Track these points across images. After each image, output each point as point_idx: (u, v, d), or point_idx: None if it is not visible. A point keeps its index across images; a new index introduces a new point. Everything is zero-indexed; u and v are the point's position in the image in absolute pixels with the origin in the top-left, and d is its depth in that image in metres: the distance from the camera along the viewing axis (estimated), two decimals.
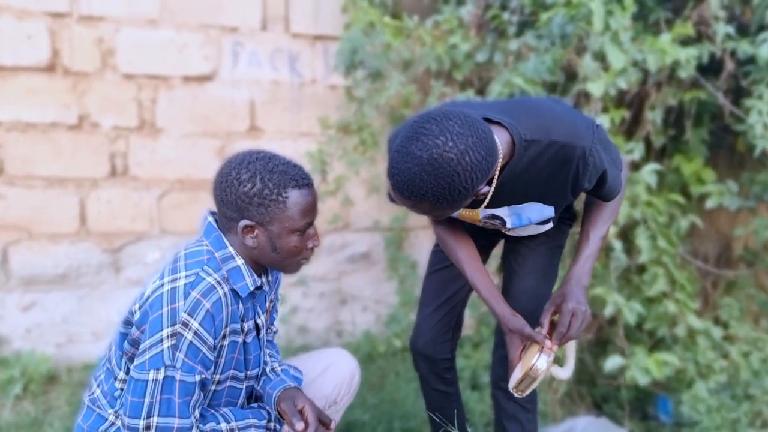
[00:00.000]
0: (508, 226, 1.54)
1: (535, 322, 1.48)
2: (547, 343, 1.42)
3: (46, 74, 2.57)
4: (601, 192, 1.46)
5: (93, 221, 2.73)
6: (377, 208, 3.02)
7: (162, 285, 1.22)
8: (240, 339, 1.33)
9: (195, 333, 1.19)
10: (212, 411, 1.35)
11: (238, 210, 1.24)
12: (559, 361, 1.52)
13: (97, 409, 1.33)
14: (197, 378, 1.21)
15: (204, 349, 1.21)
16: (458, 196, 1.17)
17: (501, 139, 1.28)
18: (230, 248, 1.28)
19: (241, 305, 1.30)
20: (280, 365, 1.51)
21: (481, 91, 2.56)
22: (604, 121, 2.17)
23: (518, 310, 1.50)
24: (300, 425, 1.31)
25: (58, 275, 2.73)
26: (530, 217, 1.50)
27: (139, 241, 2.81)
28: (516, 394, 1.47)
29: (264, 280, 1.37)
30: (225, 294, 1.24)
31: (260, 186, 1.22)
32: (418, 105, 2.68)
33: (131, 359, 1.26)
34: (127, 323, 1.29)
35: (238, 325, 1.31)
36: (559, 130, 1.31)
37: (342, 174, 2.80)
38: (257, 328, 1.39)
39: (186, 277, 1.22)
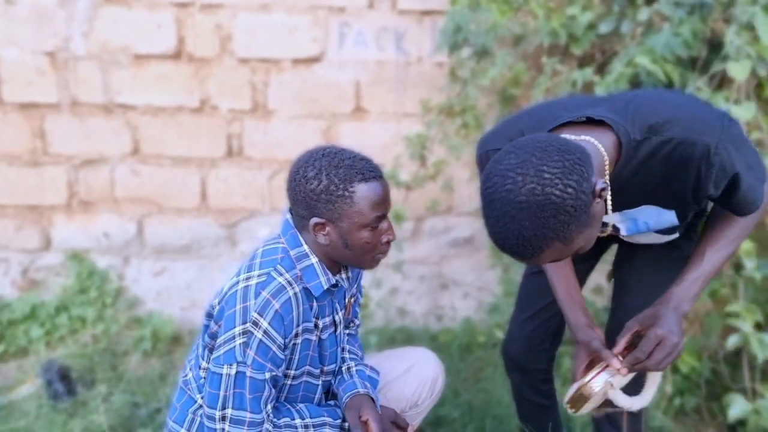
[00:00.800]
0: (623, 233, 1.34)
1: None
2: (615, 362, 1.21)
3: (173, 61, 2.77)
4: (732, 201, 1.22)
5: (212, 198, 2.90)
6: None
7: (237, 282, 1.24)
8: (314, 336, 1.31)
9: (264, 332, 1.20)
10: (288, 406, 1.35)
11: (308, 208, 1.22)
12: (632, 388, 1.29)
13: (188, 391, 1.38)
14: (267, 375, 1.22)
15: (274, 348, 1.21)
16: (567, 226, 1.00)
17: (605, 141, 1.13)
18: (305, 246, 1.27)
19: (315, 303, 1.30)
20: (356, 365, 1.47)
21: (602, 67, 2.25)
22: (746, 113, 1.76)
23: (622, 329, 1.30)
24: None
25: (182, 246, 2.95)
26: (647, 222, 1.29)
27: (252, 218, 2.93)
28: (570, 411, 1.28)
29: (343, 276, 1.36)
30: (296, 294, 1.24)
31: (326, 182, 1.19)
32: (529, 84, 2.44)
33: (211, 351, 1.29)
34: (209, 316, 1.32)
35: (312, 323, 1.30)
36: (676, 125, 1.12)
37: (442, 158, 2.66)
38: (335, 324, 1.37)
39: (258, 276, 1.23)
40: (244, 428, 1.22)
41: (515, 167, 0.99)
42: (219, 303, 1.27)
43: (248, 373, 1.20)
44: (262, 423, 1.23)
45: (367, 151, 2.76)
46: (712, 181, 1.14)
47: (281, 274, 1.24)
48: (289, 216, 1.31)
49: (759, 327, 1.90)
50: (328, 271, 1.30)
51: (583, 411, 1.26)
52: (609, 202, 1.14)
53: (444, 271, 2.94)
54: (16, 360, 2.69)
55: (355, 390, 1.39)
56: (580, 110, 1.18)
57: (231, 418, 1.21)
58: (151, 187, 2.88)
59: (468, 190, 2.80)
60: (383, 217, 1.25)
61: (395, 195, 2.54)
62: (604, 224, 1.31)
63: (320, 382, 1.39)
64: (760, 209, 1.23)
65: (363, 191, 1.20)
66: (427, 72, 2.78)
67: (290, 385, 1.34)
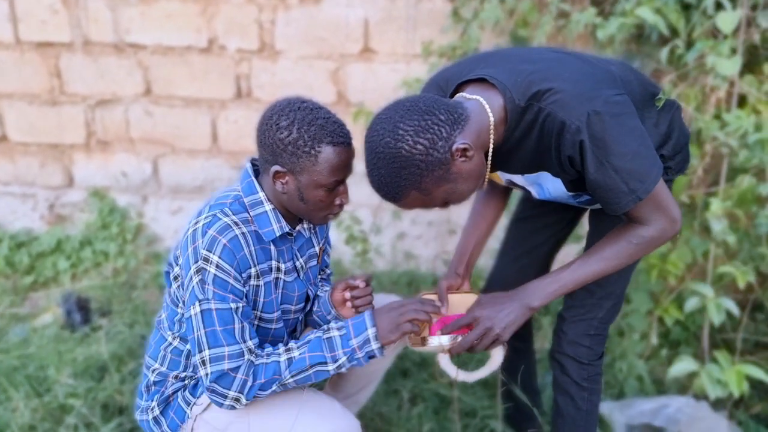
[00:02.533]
0: (535, 196, 1.37)
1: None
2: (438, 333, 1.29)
3: None
4: (599, 199, 1.18)
5: (223, 140, 2.83)
6: None
7: (188, 228, 1.25)
8: (275, 277, 1.32)
9: (217, 266, 1.19)
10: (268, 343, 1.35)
11: (273, 154, 1.21)
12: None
13: (161, 330, 1.40)
14: (232, 306, 1.21)
15: (230, 280, 1.21)
16: (420, 178, 1.11)
17: (494, 103, 1.17)
18: (261, 194, 1.28)
19: (273, 247, 1.30)
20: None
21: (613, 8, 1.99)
22: (731, 67, 1.53)
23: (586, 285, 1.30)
24: (359, 281, 1.39)
25: (196, 186, 2.92)
26: (549, 189, 1.30)
27: None
28: (408, 343, 1.34)
29: (305, 226, 1.39)
30: (244, 234, 1.23)
31: (296, 135, 1.18)
32: (537, 24, 2.19)
33: (178, 290, 1.32)
34: (174, 261, 1.33)
35: (268, 265, 1.29)
36: (552, 96, 1.12)
37: None
38: (296, 270, 1.38)
39: (205, 218, 1.23)
40: (225, 363, 1.19)
41: (382, 121, 1.10)
42: (177, 251, 1.30)
43: (212, 306, 1.19)
44: (243, 354, 1.21)
45: (375, 95, 2.64)
46: (564, 161, 1.13)
47: (227, 216, 1.23)
48: (249, 166, 1.31)
49: None
50: (283, 219, 1.30)
51: (419, 349, 1.31)
52: (488, 161, 1.19)
53: (452, 217, 2.81)
54: (45, 290, 2.78)
55: (331, 286, 1.48)
56: (489, 67, 1.20)
57: (210, 357, 1.20)
58: (164, 128, 2.83)
59: None
60: (342, 181, 1.25)
61: None
62: (515, 184, 1.35)
63: (290, 319, 1.42)
64: (644, 228, 1.19)
65: (328, 153, 1.19)
66: (439, 10, 2.55)
67: (274, 329, 1.35)
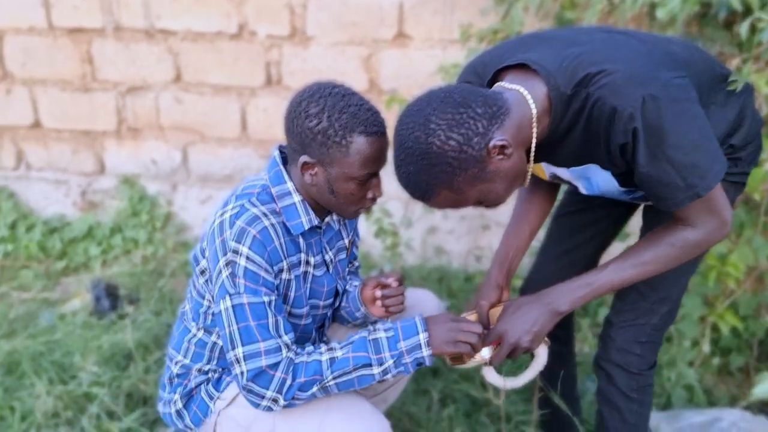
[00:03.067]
0: (582, 191, 1.25)
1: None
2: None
3: None
4: (650, 195, 1.08)
5: (252, 128, 2.76)
6: None
7: (214, 220, 1.18)
8: (304, 271, 1.25)
9: (247, 258, 1.12)
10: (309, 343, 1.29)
11: (301, 144, 1.13)
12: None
13: (185, 321, 1.35)
14: (265, 299, 1.14)
15: (262, 273, 1.13)
16: (452, 177, 1.01)
17: (538, 92, 1.05)
18: (289, 184, 1.20)
19: (302, 240, 1.23)
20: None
21: None
22: None
23: (638, 287, 1.24)
24: (391, 280, 1.31)
25: (225, 175, 2.86)
26: (599, 183, 1.18)
27: None
28: (448, 363, 1.25)
29: (334, 218, 1.31)
30: (273, 225, 1.16)
31: (326, 124, 1.10)
32: (586, 5, 2.04)
33: (206, 284, 1.26)
34: (201, 253, 1.26)
35: (297, 258, 1.22)
36: (602, 80, 1.01)
37: None
38: (326, 264, 1.31)
39: (232, 209, 1.16)
40: (262, 359, 1.11)
41: (413, 113, 1.01)
42: (204, 240, 1.23)
43: (245, 300, 1.12)
44: (280, 349, 1.13)
45: (409, 82, 2.52)
46: (615, 152, 1.03)
47: (255, 206, 1.16)
48: (276, 154, 1.24)
49: None
50: (311, 212, 1.22)
51: (459, 367, 1.24)
52: (531, 157, 1.08)
53: (486, 212, 2.68)
54: (76, 275, 2.76)
55: (361, 280, 1.41)
56: (532, 51, 1.08)
57: (245, 355, 1.12)
58: (193, 115, 2.77)
59: None
60: (374, 174, 1.17)
61: None
62: (561, 179, 1.24)
63: (319, 314, 1.35)
64: (695, 230, 1.08)
65: (360, 144, 1.10)
66: None
67: (304, 324, 1.29)
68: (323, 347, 1.16)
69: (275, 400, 1.12)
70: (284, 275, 1.19)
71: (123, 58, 2.72)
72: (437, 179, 1.00)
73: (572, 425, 1.54)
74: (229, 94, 2.72)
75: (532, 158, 1.09)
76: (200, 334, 1.30)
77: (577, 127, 1.06)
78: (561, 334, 1.56)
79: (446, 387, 1.90)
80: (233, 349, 1.13)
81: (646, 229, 1.33)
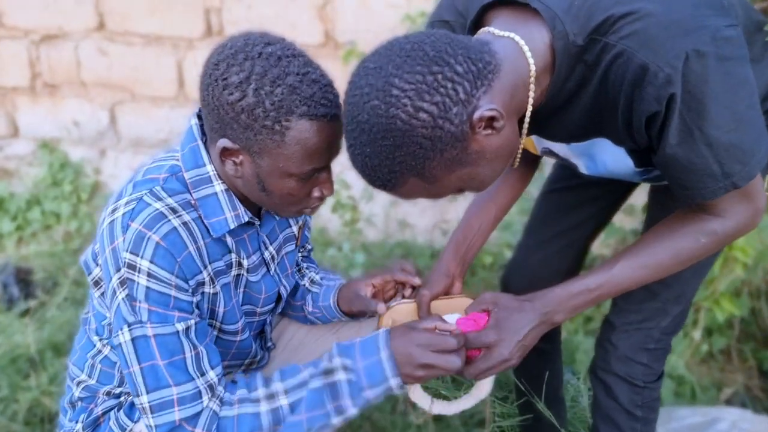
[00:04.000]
0: (583, 171, 1.00)
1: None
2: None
3: None
4: (672, 181, 0.82)
5: (190, 86, 2.39)
6: None
7: (104, 218, 0.87)
8: (237, 274, 0.96)
9: (149, 274, 0.82)
10: (242, 375, 0.97)
11: (220, 122, 0.82)
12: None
13: (88, 333, 1.04)
14: (178, 327, 0.84)
15: (172, 292, 0.84)
16: (423, 161, 0.74)
17: (538, 41, 0.78)
18: (209, 167, 0.88)
19: (230, 238, 0.92)
20: (317, 274, 1.20)
21: None
22: None
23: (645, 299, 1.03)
24: (380, 306, 1.01)
25: (160, 140, 2.49)
26: (606, 162, 0.93)
27: None
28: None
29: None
30: (186, 224, 0.85)
31: (252, 100, 0.78)
32: None
33: (102, 297, 0.96)
34: (93, 258, 0.96)
35: (225, 261, 0.92)
36: (629, 26, 0.73)
37: None
38: (265, 263, 1.01)
39: (126, 204, 0.84)
40: (175, 411, 0.84)
41: (369, 74, 0.73)
42: (95, 245, 0.93)
43: (149, 332, 0.83)
44: (200, 395, 0.85)
45: (369, 35, 2.19)
46: (638, 125, 0.77)
47: (159, 199, 0.85)
48: (194, 123, 0.90)
49: None
50: (240, 205, 0.91)
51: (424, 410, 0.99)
52: (524, 130, 0.82)
53: None
54: None
55: (337, 283, 1.13)
56: None
57: (151, 405, 0.84)
58: (121, 70, 2.37)
59: None
60: (322, 168, 0.87)
61: None
62: (555, 155, 0.99)
63: (255, 322, 1.06)
64: (721, 221, 0.84)
65: (302, 131, 0.80)
66: None
67: (240, 341, 1.01)
68: (260, 387, 0.87)
69: None
70: (207, 288, 0.90)
71: (35, 1, 2.29)
72: (403, 165, 0.74)
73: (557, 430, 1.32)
74: (163, 45, 2.33)
75: (524, 131, 0.82)
76: (106, 350, 1.01)
77: (586, 89, 0.80)
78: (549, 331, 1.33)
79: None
80: (138, 395, 0.85)
81: (656, 211, 1.09)
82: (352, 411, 0.85)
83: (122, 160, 2.55)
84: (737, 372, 1.87)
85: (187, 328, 0.84)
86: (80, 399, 1.04)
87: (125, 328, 0.83)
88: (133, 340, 0.83)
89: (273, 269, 1.03)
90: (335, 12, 2.23)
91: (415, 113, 0.70)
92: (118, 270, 0.83)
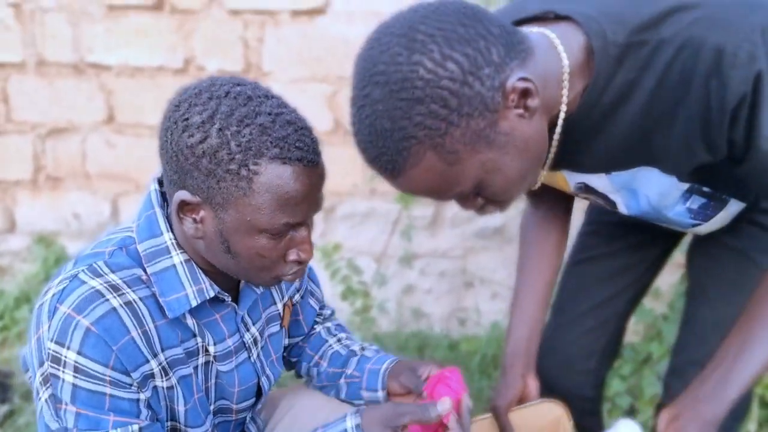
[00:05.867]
0: (622, 210, 0.88)
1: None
2: None
3: (153, 13, 2.21)
4: (761, 186, 0.70)
5: None
6: None
7: (36, 302, 0.76)
8: (205, 361, 0.81)
9: (75, 368, 0.68)
10: None
11: (179, 171, 0.70)
12: None
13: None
14: None
15: (107, 389, 0.69)
16: (444, 125, 0.62)
17: (571, 42, 0.69)
18: (166, 236, 0.76)
19: (191, 319, 0.78)
20: (363, 347, 1.02)
21: None
22: None
23: (699, 353, 0.90)
24: (442, 407, 0.77)
25: None
26: (649, 196, 0.81)
27: None
28: None
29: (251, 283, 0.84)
30: (129, 303, 0.72)
31: (216, 141, 0.67)
32: None
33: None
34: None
35: (186, 348, 0.78)
36: (687, 16, 0.65)
37: None
38: (246, 348, 0.86)
39: (58, 284, 0.72)
40: None
41: (389, 25, 0.64)
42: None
43: None
44: None
45: None
46: (717, 126, 0.65)
47: (98, 275, 0.72)
48: (153, 188, 0.79)
49: None
50: (204, 277, 0.77)
51: None
52: (552, 144, 0.73)
53: (469, 267, 2.30)
54: None
55: (394, 358, 0.95)
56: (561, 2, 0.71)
57: None
58: (127, 161, 2.33)
59: None
60: (300, 224, 0.74)
61: None
62: (592, 191, 0.86)
63: (232, 421, 0.90)
64: None
65: (273, 177, 0.68)
66: None
67: None
68: None
69: None
70: (159, 382, 0.75)
71: (45, 96, 2.29)
72: (420, 128, 0.62)
73: None
74: None
75: (556, 136, 0.72)
76: None
77: (632, 100, 0.70)
78: (588, 422, 1.17)
79: None
80: None
81: (696, 271, 0.99)
82: None
83: None
84: None
85: None
86: None
87: None
88: None
89: (255, 355, 0.87)
90: (345, 100, 2.24)
91: (442, 61, 0.60)
92: (42, 365, 0.70)
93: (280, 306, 0.92)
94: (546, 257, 1.04)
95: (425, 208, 2.23)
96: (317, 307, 1.04)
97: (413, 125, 0.62)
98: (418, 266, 2.28)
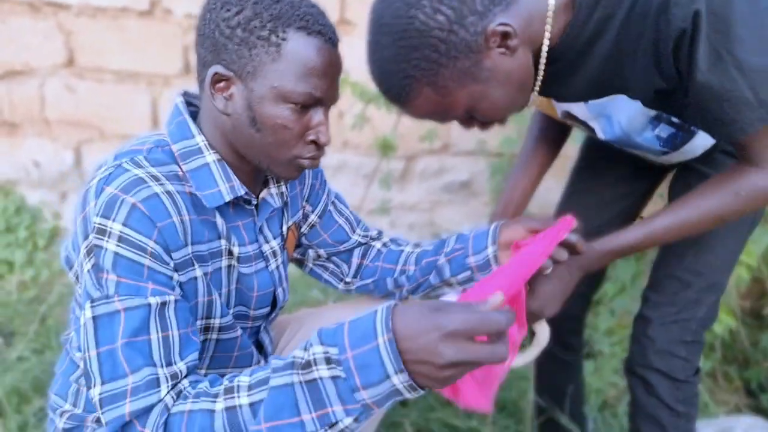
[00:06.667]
0: (600, 135, 1.00)
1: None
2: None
3: None
4: (705, 121, 0.80)
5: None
6: None
7: (81, 191, 0.78)
8: (229, 265, 0.85)
9: (120, 238, 0.71)
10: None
11: (215, 48, 0.77)
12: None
13: (70, 354, 0.91)
14: (152, 301, 0.71)
15: (146, 260, 0.71)
16: (436, 67, 0.77)
17: None
18: (198, 138, 0.81)
19: (221, 220, 0.83)
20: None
21: None
22: None
23: (673, 267, 1.03)
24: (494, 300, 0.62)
25: None
26: (621, 122, 0.95)
27: None
28: None
29: (273, 191, 0.91)
30: (169, 193, 0.75)
31: (250, 13, 0.75)
32: None
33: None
34: (74, 248, 0.84)
35: (213, 247, 0.82)
36: None
37: None
38: (264, 258, 0.91)
39: (103, 171, 0.76)
40: (126, 402, 0.68)
41: None
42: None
43: (117, 306, 0.70)
44: (157, 382, 0.69)
45: (353, 73, 2.19)
46: (664, 54, 0.76)
47: (140, 167, 0.76)
48: (179, 101, 0.86)
49: None
50: (235, 177, 0.83)
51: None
52: (539, 72, 0.83)
53: (436, 220, 2.39)
54: None
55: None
56: None
57: (102, 399, 0.69)
58: (90, 107, 2.24)
59: None
60: (319, 101, 0.79)
61: (385, 120, 2.02)
62: (575, 119, 1.00)
63: (249, 327, 0.94)
64: (754, 186, 0.83)
65: (299, 45, 0.75)
66: None
67: (217, 340, 0.87)
68: (222, 385, 0.68)
69: None
70: (190, 272, 0.78)
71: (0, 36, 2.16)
72: (418, 70, 0.76)
73: None
74: (137, 82, 2.23)
75: (541, 67, 0.82)
76: None
77: (604, 37, 0.79)
78: (570, 339, 1.29)
79: (420, 417, 1.54)
80: (92, 387, 0.70)
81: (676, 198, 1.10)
82: (345, 422, 0.60)
83: None
84: (725, 393, 1.87)
85: (164, 304, 0.71)
86: (65, 431, 0.88)
87: (88, 305, 0.71)
88: (94, 318, 0.70)
89: (273, 266, 0.93)
90: None
91: (432, 14, 0.73)
92: (86, 238, 0.72)
93: (283, 228, 0.96)
94: (533, 158, 1.16)
95: (397, 162, 2.28)
96: (345, 206, 1.09)
97: (411, 67, 0.76)
98: (388, 219, 2.35)
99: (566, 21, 0.79)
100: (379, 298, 1.09)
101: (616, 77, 0.82)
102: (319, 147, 0.82)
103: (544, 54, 0.80)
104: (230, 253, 0.85)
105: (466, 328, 0.57)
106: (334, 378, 0.60)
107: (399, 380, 0.58)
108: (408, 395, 0.60)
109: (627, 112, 0.92)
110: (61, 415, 0.88)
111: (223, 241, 0.83)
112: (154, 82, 2.24)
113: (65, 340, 0.94)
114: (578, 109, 0.98)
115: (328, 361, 0.60)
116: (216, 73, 0.77)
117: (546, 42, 0.79)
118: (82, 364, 0.74)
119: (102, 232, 0.71)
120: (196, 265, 0.79)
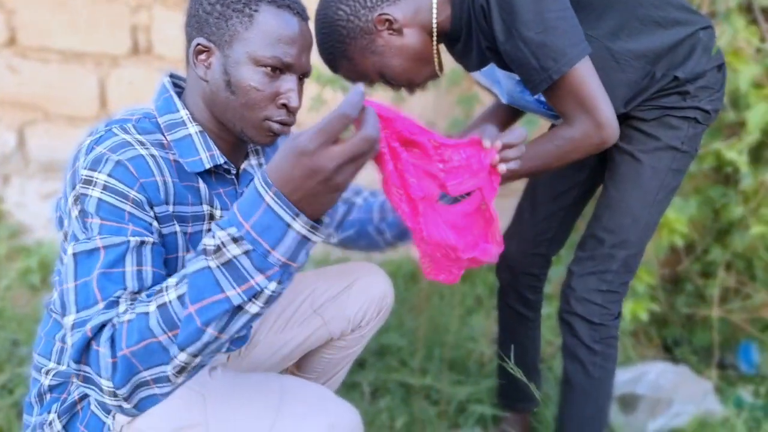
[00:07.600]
0: (503, 99, 1.22)
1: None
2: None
3: None
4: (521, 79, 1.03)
5: (114, 105, 2.27)
6: (433, 105, 2.38)
7: (72, 152, 0.85)
8: (206, 228, 0.92)
9: (104, 186, 0.78)
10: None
11: (198, 24, 0.87)
12: None
13: (53, 314, 0.95)
14: (131, 240, 0.76)
15: (127, 206, 0.78)
16: (345, 46, 1.05)
17: None
18: (182, 112, 0.89)
19: (203, 186, 0.90)
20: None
21: None
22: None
23: (595, 228, 1.18)
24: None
25: None
26: (503, 84, 1.18)
27: None
28: None
29: (253, 162, 0.99)
30: (154, 156, 0.83)
31: None
32: None
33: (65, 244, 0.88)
34: (61, 207, 0.89)
35: (196, 211, 0.89)
36: None
37: None
38: None
39: (94, 134, 0.84)
40: (88, 324, 0.71)
41: None
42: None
43: (97, 243, 0.75)
44: (117, 303, 0.73)
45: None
46: (481, 26, 1.01)
47: (128, 133, 0.84)
48: (166, 80, 0.94)
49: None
50: (215, 147, 0.91)
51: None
52: (436, 44, 1.07)
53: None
54: None
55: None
56: None
57: (74, 323, 0.73)
58: (33, 87, 2.20)
59: (420, 101, 2.34)
60: (289, 67, 0.87)
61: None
62: (482, 86, 1.24)
63: None
64: (562, 138, 1.01)
65: (269, 16, 0.86)
66: None
67: None
68: (162, 287, 0.70)
69: (114, 394, 0.69)
70: (170, 227, 0.85)
71: None
72: (335, 48, 1.05)
73: (532, 396, 1.37)
74: (83, 62, 2.21)
75: (434, 43, 1.05)
76: None
77: (474, 14, 1.03)
78: (532, 297, 1.40)
79: (377, 378, 1.63)
80: (65, 315, 0.75)
81: (604, 172, 1.23)
82: (270, 287, 0.65)
83: (30, 186, 2.32)
84: (646, 348, 2.05)
85: (142, 243, 0.77)
86: (50, 389, 0.91)
87: (71, 245, 0.77)
88: (74, 255, 0.75)
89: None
90: None
91: (336, 11, 1.02)
92: (74, 188, 0.78)
93: None
94: (493, 114, 1.30)
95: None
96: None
97: (332, 46, 1.05)
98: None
99: (449, 12, 1.04)
100: (364, 246, 1.20)
101: (478, 47, 1.05)
102: (289, 112, 0.88)
103: (434, 34, 1.04)
104: (212, 217, 0.92)
105: (325, 130, 0.60)
106: (246, 252, 0.64)
107: (300, 224, 0.63)
108: (315, 237, 0.65)
109: (499, 74, 1.13)
110: (47, 373, 0.91)
111: (206, 206, 0.91)
112: (101, 63, 2.22)
113: (47, 303, 0.96)
114: (479, 77, 1.18)
115: (235, 240, 0.64)
116: (198, 44, 0.86)
117: (434, 26, 1.03)
118: (57, 296, 0.79)
119: (88, 182, 0.78)
120: (176, 223, 0.86)
